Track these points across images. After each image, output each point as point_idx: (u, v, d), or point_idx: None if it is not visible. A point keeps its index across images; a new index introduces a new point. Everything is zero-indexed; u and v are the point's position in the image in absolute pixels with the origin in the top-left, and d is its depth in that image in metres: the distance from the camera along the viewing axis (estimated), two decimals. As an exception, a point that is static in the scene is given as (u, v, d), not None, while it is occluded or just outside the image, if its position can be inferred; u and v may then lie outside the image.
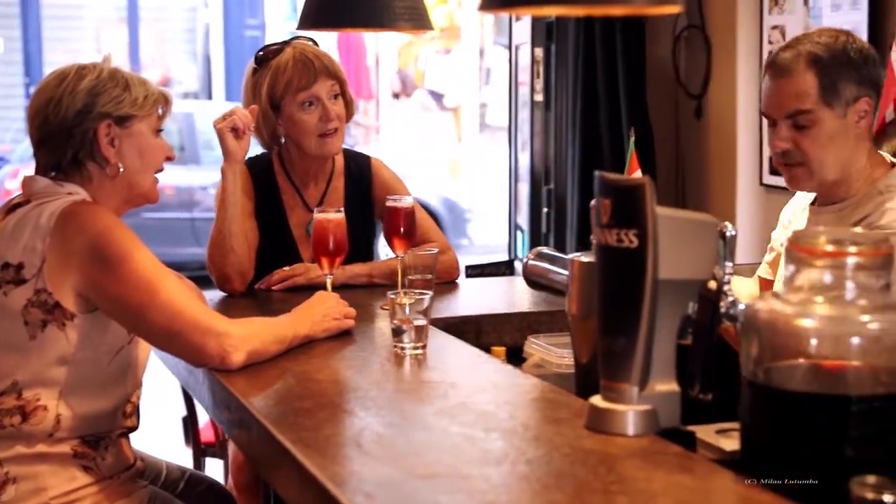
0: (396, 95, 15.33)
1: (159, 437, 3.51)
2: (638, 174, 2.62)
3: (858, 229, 2.21)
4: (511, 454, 1.70)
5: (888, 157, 2.45)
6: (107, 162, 2.34)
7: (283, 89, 2.99)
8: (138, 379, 2.44)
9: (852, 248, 1.59)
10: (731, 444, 1.87)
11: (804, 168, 2.37)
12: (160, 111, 2.40)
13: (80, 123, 2.32)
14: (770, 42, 4.34)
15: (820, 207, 2.46)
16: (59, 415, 2.28)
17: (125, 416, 2.42)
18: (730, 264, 2.09)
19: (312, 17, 2.59)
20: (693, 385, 1.89)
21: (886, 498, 1.40)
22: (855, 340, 1.57)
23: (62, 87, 2.33)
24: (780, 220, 2.77)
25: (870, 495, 1.42)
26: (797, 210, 2.62)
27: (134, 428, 2.47)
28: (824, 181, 2.40)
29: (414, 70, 15.23)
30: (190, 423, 3.74)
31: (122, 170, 2.35)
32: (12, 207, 2.34)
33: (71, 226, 2.25)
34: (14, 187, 2.47)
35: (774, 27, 4.31)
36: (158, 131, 2.42)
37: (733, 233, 2.08)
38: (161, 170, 2.45)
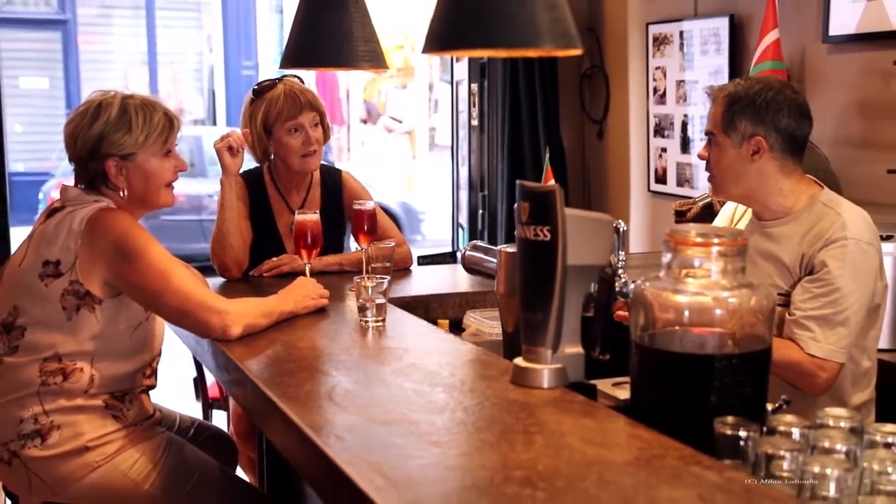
0: (364, 121, 15.29)
1: (175, 394, 3.47)
2: (552, 183, 2.63)
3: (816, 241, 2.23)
4: (451, 404, 1.70)
5: (815, 180, 2.38)
6: (117, 188, 2.33)
7: (274, 118, 2.98)
8: (156, 348, 2.43)
9: (716, 240, 1.60)
10: (623, 393, 1.88)
11: (713, 179, 2.37)
12: (164, 138, 2.36)
13: (92, 160, 2.32)
14: (654, 80, 4.37)
15: (764, 222, 2.37)
16: (93, 375, 2.27)
17: (145, 376, 2.40)
18: (622, 253, 2.11)
19: (292, 59, 2.58)
20: (594, 348, 1.90)
21: (741, 433, 1.43)
22: (718, 312, 1.58)
23: (80, 126, 2.33)
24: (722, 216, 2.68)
25: (729, 431, 1.44)
26: (742, 219, 2.54)
27: (153, 386, 2.45)
28: (729, 195, 2.41)
29: (377, 101, 15.19)
30: (199, 382, 3.71)
31: (126, 193, 2.34)
32: (52, 211, 2.34)
33: (97, 229, 2.24)
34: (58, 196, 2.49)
35: (657, 68, 4.34)
36: (168, 152, 2.39)
37: (625, 228, 2.10)
38: (173, 180, 2.42)
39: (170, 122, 2.38)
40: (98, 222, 2.25)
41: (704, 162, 2.38)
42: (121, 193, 2.34)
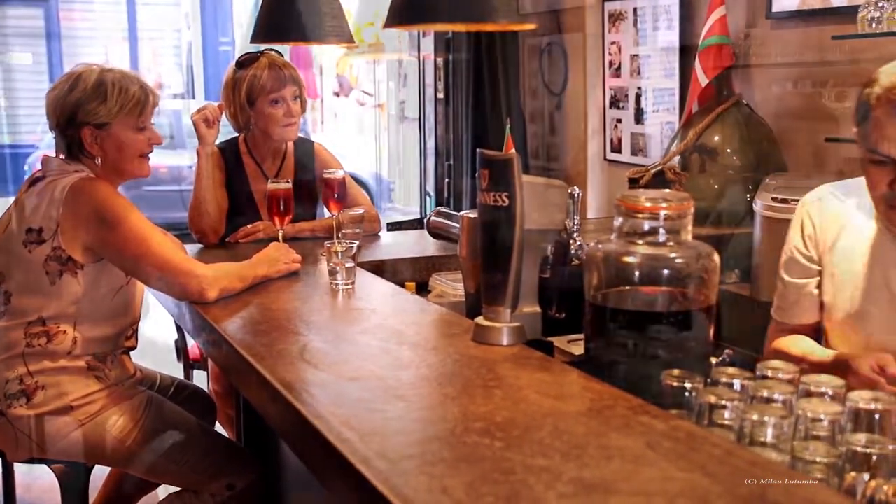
0: (336, 94, 15.16)
1: (157, 355, 3.45)
2: (510, 151, 2.62)
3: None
4: (416, 360, 1.70)
5: None
6: (92, 155, 2.30)
7: (258, 90, 2.95)
8: (136, 311, 2.41)
9: (664, 205, 1.60)
10: (578, 349, 1.90)
11: None
12: (139, 111, 2.32)
13: (69, 128, 2.30)
14: (610, 54, 4.36)
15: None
16: (76, 337, 2.25)
17: (126, 338, 2.39)
18: (577, 217, 2.12)
19: (262, 34, 2.55)
20: (551, 307, 1.92)
21: (686, 385, 1.44)
22: (665, 272, 1.59)
23: (59, 95, 2.30)
24: (810, 234, 2.01)
25: (675, 383, 1.45)
26: (853, 239, 1.94)
27: (133, 347, 2.44)
28: None
29: (349, 75, 15.07)
30: (180, 344, 3.70)
31: (100, 162, 2.31)
32: (34, 181, 2.31)
33: (79, 197, 2.22)
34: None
35: (613, 43, 4.33)
36: (142, 128, 2.34)
37: (579, 194, 2.11)
38: (147, 152, 2.38)
39: (145, 96, 2.34)
40: (80, 190, 2.22)
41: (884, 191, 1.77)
42: (96, 161, 2.31)
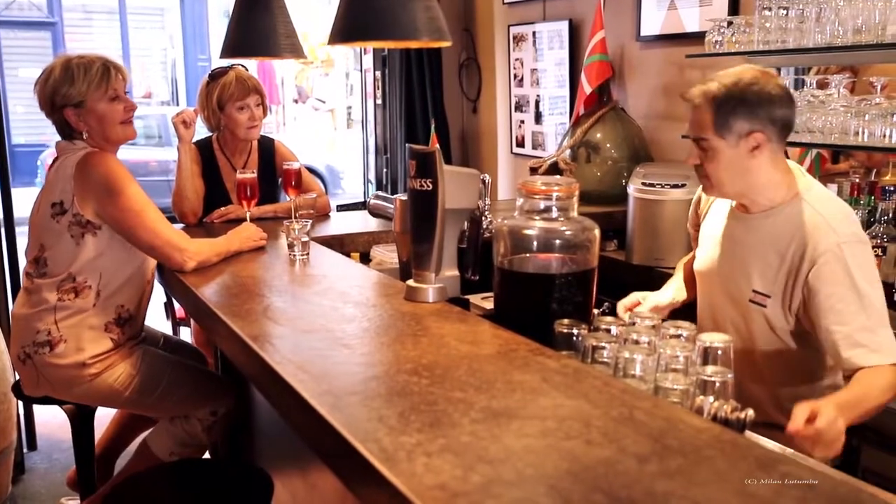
0: (296, 101, 14.90)
1: (151, 314, 3.35)
2: (435, 146, 2.60)
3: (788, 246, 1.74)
4: (358, 315, 1.68)
5: (792, 164, 1.83)
6: (79, 131, 2.20)
7: (227, 98, 2.88)
8: (151, 265, 2.32)
9: (555, 188, 1.61)
10: (489, 305, 1.89)
11: (708, 181, 1.79)
12: (105, 85, 2.18)
13: (53, 113, 2.20)
14: (514, 68, 4.35)
15: (746, 214, 1.83)
16: (99, 291, 2.18)
17: (139, 304, 2.31)
18: (487, 199, 2.11)
19: (230, 50, 2.47)
20: (467, 271, 1.91)
21: (574, 331, 1.44)
22: (557, 241, 1.60)
23: (38, 87, 2.20)
24: (696, 209, 2.10)
25: (565, 330, 1.46)
26: (717, 212, 1.96)
27: (143, 313, 2.37)
28: (726, 194, 1.82)
29: (306, 86, 14.82)
30: (168, 306, 3.62)
31: (88, 135, 2.20)
32: (53, 163, 2.23)
33: (86, 169, 2.13)
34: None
35: (517, 59, 4.32)
36: (114, 98, 2.20)
37: (489, 180, 2.10)
38: (127, 119, 2.23)
39: (107, 70, 2.20)
40: (86, 164, 2.13)
41: (695, 167, 1.82)
42: (84, 135, 2.21)
